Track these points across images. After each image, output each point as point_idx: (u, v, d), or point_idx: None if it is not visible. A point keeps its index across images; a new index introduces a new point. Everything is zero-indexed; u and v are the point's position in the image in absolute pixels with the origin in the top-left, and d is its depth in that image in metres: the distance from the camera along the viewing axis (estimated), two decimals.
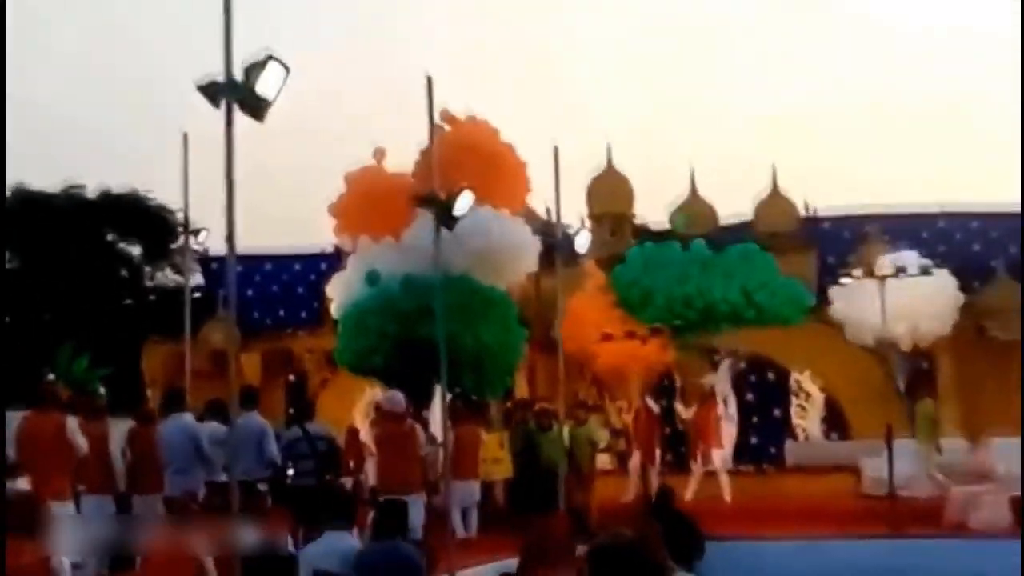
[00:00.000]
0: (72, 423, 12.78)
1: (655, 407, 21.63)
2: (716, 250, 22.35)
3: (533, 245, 19.21)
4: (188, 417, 13.96)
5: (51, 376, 14.42)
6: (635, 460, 21.35)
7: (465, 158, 15.79)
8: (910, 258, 21.44)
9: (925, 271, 20.76)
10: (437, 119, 15.81)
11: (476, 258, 16.17)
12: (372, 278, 18.44)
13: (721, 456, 21.25)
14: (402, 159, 20.40)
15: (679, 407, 22.62)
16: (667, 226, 28.04)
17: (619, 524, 5.46)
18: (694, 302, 21.11)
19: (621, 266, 21.47)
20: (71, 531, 12.27)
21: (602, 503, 18.50)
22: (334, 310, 19.83)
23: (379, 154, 20.00)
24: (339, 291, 19.83)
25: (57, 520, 11.14)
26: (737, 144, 42.88)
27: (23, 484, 12.26)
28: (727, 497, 20.83)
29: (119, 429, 14.10)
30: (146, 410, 14.89)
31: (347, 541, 10.04)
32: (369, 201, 19.25)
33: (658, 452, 21.54)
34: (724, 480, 21.11)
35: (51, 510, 9.85)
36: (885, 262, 21.25)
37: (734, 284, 21.22)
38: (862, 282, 21.31)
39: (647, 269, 21.45)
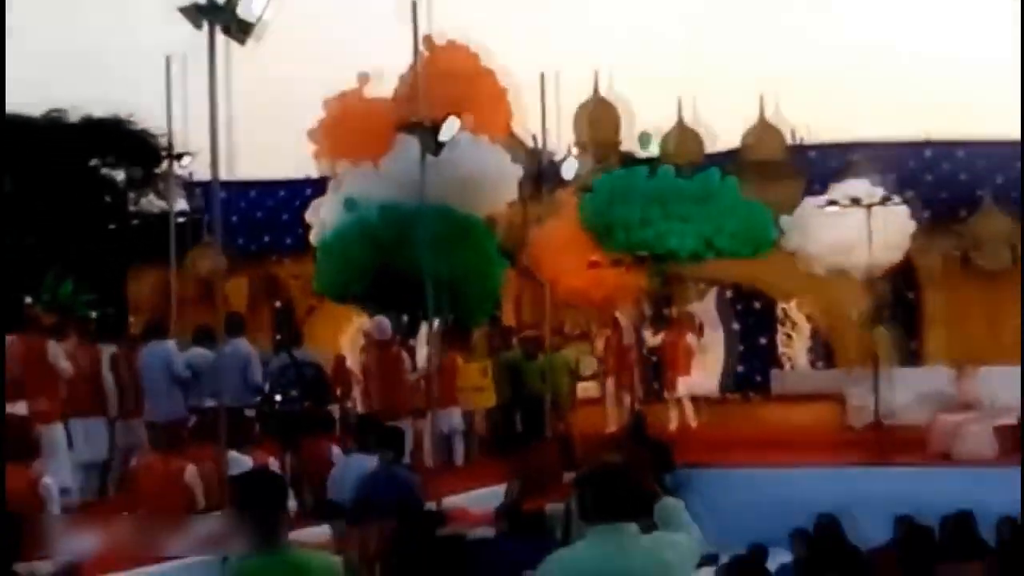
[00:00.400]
0: (54, 348, 12.74)
1: (628, 334, 21.46)
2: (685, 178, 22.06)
3: (513, 173, 19.04)
4: (167, 344, 13.89)
5: (30, 301, 14.32)
6: (610, 387, 21.24)
7: (443, 84, 15.48)
8: (863, 187, 21.43)
9: (885, 200, 20.69)
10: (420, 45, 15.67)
11: (453, 186, 15.86)
12: (350, 204, 18.27)
13: (687, 383, 21.22)
14: (388, 85, 20.21)
15: (647, 334, 22.51)
16: (655, 154, 27.90)
17: (602, 452, 5.44)
18: (652, 246, 20.97)
19: (588, 195, 21.20)
20: (60, 455, 12.28)
21: (586, 431, 18.49)
22: (313, 237, 19.68)
23: (363, 80, 19.77)
24: (317, 217, 19.64)
25: (46, 444, 11.14)
26: (731, 73, 42.56)
27: (16, 408, 12.31)
28: (692, 424, 20.87)
29: (105, 354, 14.04)
30: (128, 335, 14.81)
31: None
32: (348, 126, 19.00)
33: (636, 379, 21.50)
34: (688, 407, 21.12)
35: (39, 434, 9.79)
36: (838, 190, 21.32)
37: (690, 230, 20.94)
38: (813, 211, 21.37)
39: (611, 200, 21.17)
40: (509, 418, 14.17)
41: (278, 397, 14.20)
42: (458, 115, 13.71)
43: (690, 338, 21.66)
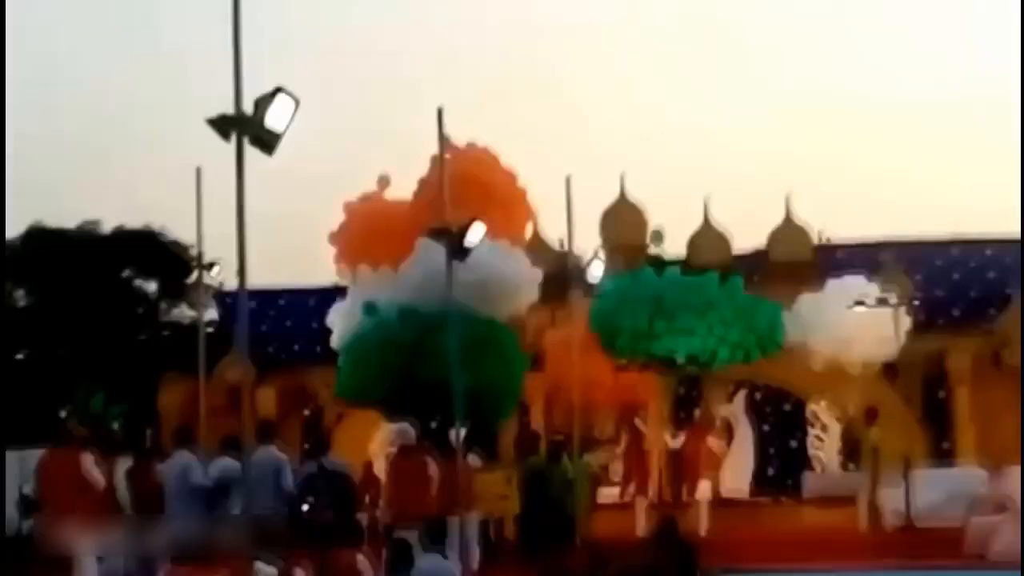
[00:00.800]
0: (88, 460, 12.80)
1: (646, 434, 21.31)
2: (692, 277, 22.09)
3: (532, 277, 19.17)
4: (187, 455, 13.95)
5: (65, 414, 14.45)
6: (629, 492, 21.04)
7: (462, 187, 15.62)
8: (859, 283, 21.58)
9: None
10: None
11: (473, 290, 15.91)
12: (370, 309, 18.41)
13: (705, 487, 20.91)
14: (406, 190, 20.35)
15: (667, 437, 22.34)
16: (682, 256, 28.01)
17: (628, 556, 5.45)
18: (658, 357, 20.99)
19: (595, 301, 21.24)
20: (91, 568, 12.29)
21: (609, 535, 18.26)
22: (334, 341, 19.79)
23: (383, 182, 19.94)
24: (339, 322, 19.77)
25: (78, 558, 11.16)
26: (752, 174, 42.81)
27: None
28: (703, 531, 20.63)
29: (121, 465, 14.06)
30: (144, 447, 14.86)
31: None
32: (368, 230, 19.21)
33: (651, 483, 21.33)
34: (703, 512, 20.79)
35: (69, 552, 9.81)
36: (833, 288, 21.39)
37: (695, 343, 20.97)
38: (817, 307, 21.42)
39: (617, 308, 21.20)
40: (534, 524, 14.07)
41: (305, 507, 14.19)
42: (480, 219, 13.82)
43: (711, 441, 21.44)
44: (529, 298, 19.14)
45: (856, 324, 20.32)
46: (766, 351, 21.12)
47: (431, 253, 17.73)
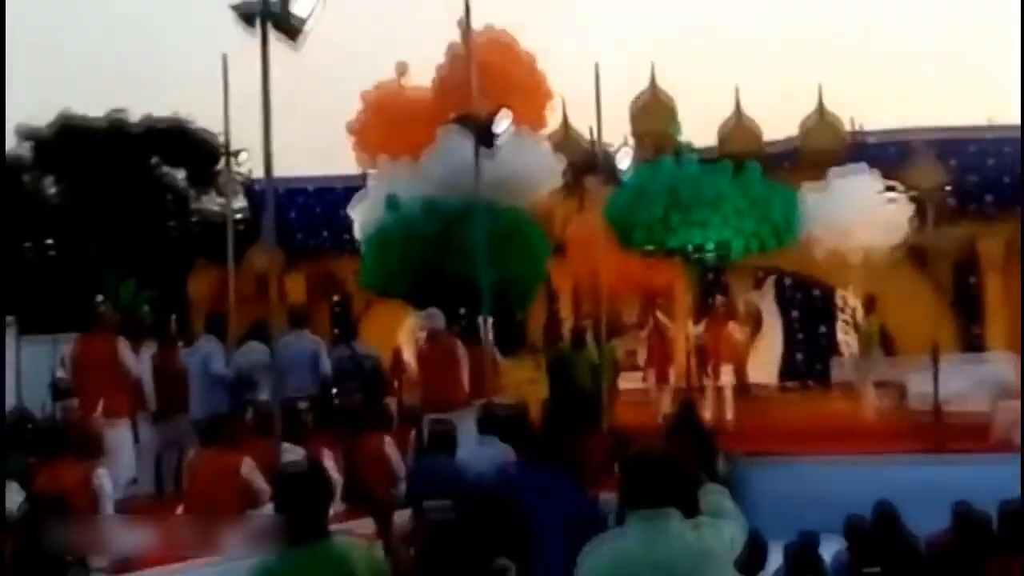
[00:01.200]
0: (124, 346, 12.90)
1: (668, 324, 21.36)
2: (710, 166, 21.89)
3: (555, 165, 19.04)
4: (208, 343, 14.08)
5: (99, 299, 14.49)
6: (651, 379, 21.16)
7: (483, 74, 15.35)
8: (865, 173, 21.48)
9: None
10: (461, 35, 15.61)
11: (497, 179, 15.73)
12: (392, 203, 18.35)
13: (729, 372, 21.07)
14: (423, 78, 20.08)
15: (690, 325, 22.38)
16: (712, 145, 27.79)
17: (648, 441, 5.46)
18: (674, 248, 20.86)
19: (612, 193, 21.10)
20: (126, 453, 12.45)
21: (631, 421, 18.31)
22: (357, 232, 19.78)
23: (401, 69, 19.67)
24: (361, 213, 19.71)
25: (112, 442, 11.29)
26: (784, 63, 42.33)
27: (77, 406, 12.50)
28: (729, 415, 20.75)
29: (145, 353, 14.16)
30: (168, 332, 14.92)
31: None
32: (386, 120, 19.02)
33: (671, 371, 21.40)
34: (728, 397, 20.98)
35: (100, 432, 9.92)
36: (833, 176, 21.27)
37: (711, 234, 20.80)
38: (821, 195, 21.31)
39: (634, 200, 21.03)
40: (559, 409, 14.12)
41: (334, 391, 14.31)
42: (506, 106, 13.72)
43: (733, 327, 21.45)
44: (553, 186, 19.03)
45: (860, 211, 20.24)
46: (782, 241, 21.02)
47: (452, 143, 17.70)
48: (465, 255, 17.08)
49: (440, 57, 19.12)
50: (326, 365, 14.08)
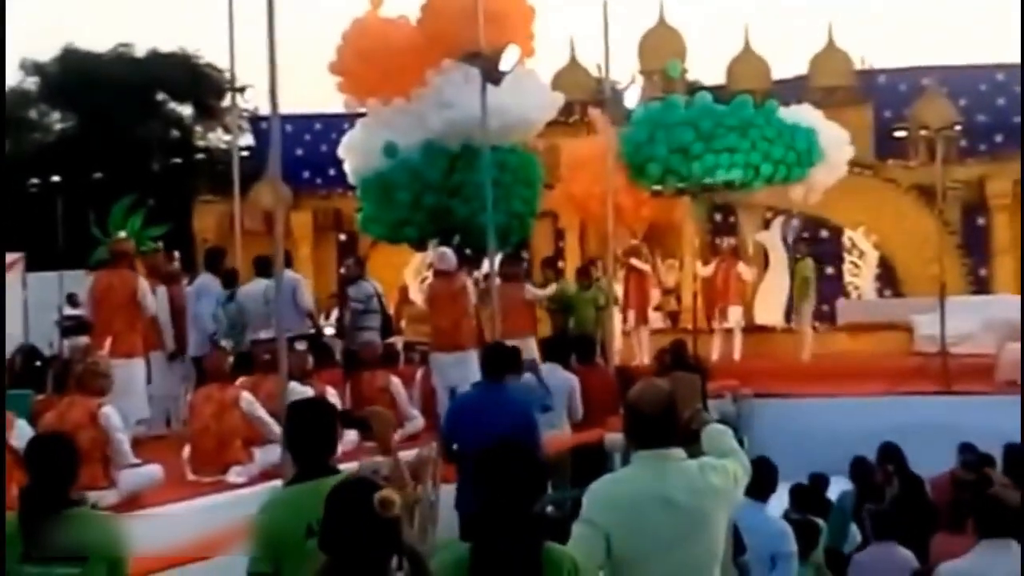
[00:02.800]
0: (144, 285, 12.83)
1: (643, 266, 21.09)
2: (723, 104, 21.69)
3: (553, 101, 18.90)
4: (204, 280, 14.08)
5: (122, 235, 14.30)
6: (630, 320, 20.88)
7: (463, 9, 15.08)
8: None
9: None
10: None
11: (495, 117, 15.46)
12: (391, 150, 18.18)
13: (737, 313, 20.99)
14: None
15: (698, 265, 22.15)
16: (721, 81, 27.61)
17: (653, 380, 5.44)
18: (700, 178, 20.71)
19: (626, 130, 20.92)
20: (139, 390, 12.44)
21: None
22: (350, 174, 19.56)
23: (375, 1, 19.17)
24: (353, 154, 19.41)
25: (126, 379, 11.29)
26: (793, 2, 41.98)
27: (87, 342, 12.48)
28: (737, 355, 20.68)
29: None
30: (174, 270, 14.89)
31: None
32: (370, 58, 18.54)
33: (650, 311, 21.25)
34: (737, 338, 20.91)
35: (108, 369, 9.90)
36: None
37: (738, 159, 20.62)
38: None
39: (651, 134, 20.86)
40: (562, 346, 14.02)
41: (330, 330, 14.27)
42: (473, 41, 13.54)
43: (741, 267, 21.35)
44: (547, 121, 18.86)
45: None
46: (806, 171, 20.95)
47: (445, 84, 17.57)
48: (470, 197, 17.03)
49: None
50: (307, 300, 14.03)
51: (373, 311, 14.78)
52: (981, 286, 24.21)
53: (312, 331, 14.07)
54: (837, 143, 21.36)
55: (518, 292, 15.72)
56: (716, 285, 21.01)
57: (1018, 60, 23.88)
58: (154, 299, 13.01)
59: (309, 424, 5.32)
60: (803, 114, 21.52)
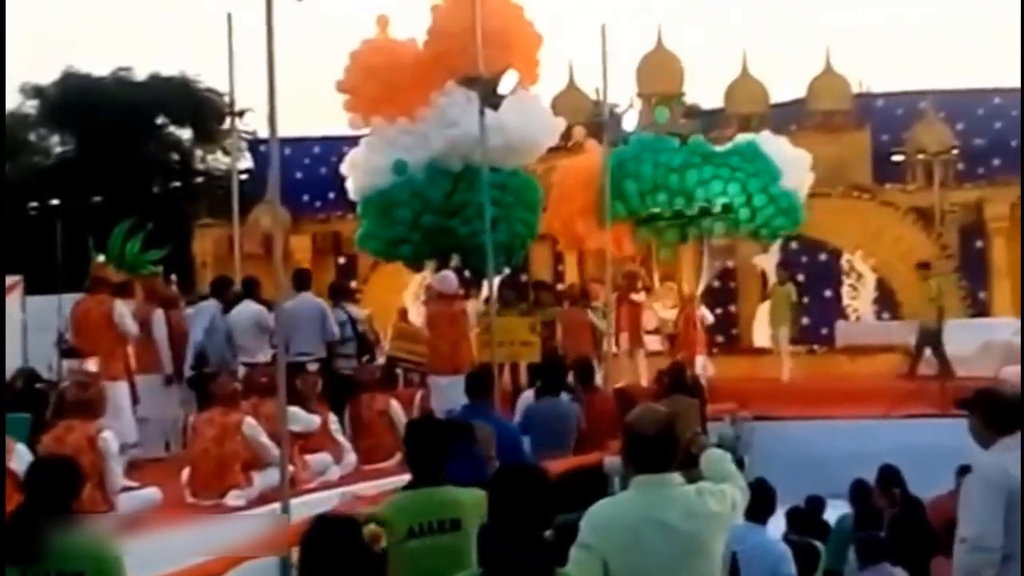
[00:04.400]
0: (120, 307, 12.83)
1: (640, 299, 20.77)
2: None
3: (555, 127, 18.94)
4: (208, 304, 14.02)
5: (101, 259, 14.41)
6: (623, 343, 20.64)
7: (469, 32, 15.15)
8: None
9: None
10: None
11: (498, 141, 15.52)
12: (400, 168, 18.26)
13: (701, 362, 19.79)
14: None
15: (656, 306, 21.31)
16: (718, 105, 27.70)
17: (651, 405, 5.45)
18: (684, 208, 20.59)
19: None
20: (125, 413, 12.42)
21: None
22: (353, 192, 19.60)
23: (382, 22, 19.35)
24: (357, 173, 19.48)
25: (111, 401, 11.25)
26: (791, 27, 42.09)
27: (79, 366, 12.44)
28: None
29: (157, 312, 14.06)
30: (171, 294, 14.88)
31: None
32: (377, 78, 18.70)
33: (644, 336, 20.99)
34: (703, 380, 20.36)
35: (102, 392, 9.91)
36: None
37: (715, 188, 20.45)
38: None
39: (624, 173, 20.69)
40: (553, 372, 13.89)
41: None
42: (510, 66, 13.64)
43: (704, 312, 20.69)
44: (549, 143, 18.91)
45: None
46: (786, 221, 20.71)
47: (449, 106, 17.63)
48: (470, 217, 17.06)
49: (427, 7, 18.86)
50: (333, 327, 13.98)
51: (348, 338, 14.69)
52: (979, 309, 24.25)
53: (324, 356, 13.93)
54: (800, 170, 21.12)
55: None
56: (679, 334, 20.60)
57: (1016, 84, 23.96)
58: (134, 322, 12.95)
59: (423, 440, 6.17)
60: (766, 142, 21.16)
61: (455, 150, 17.47)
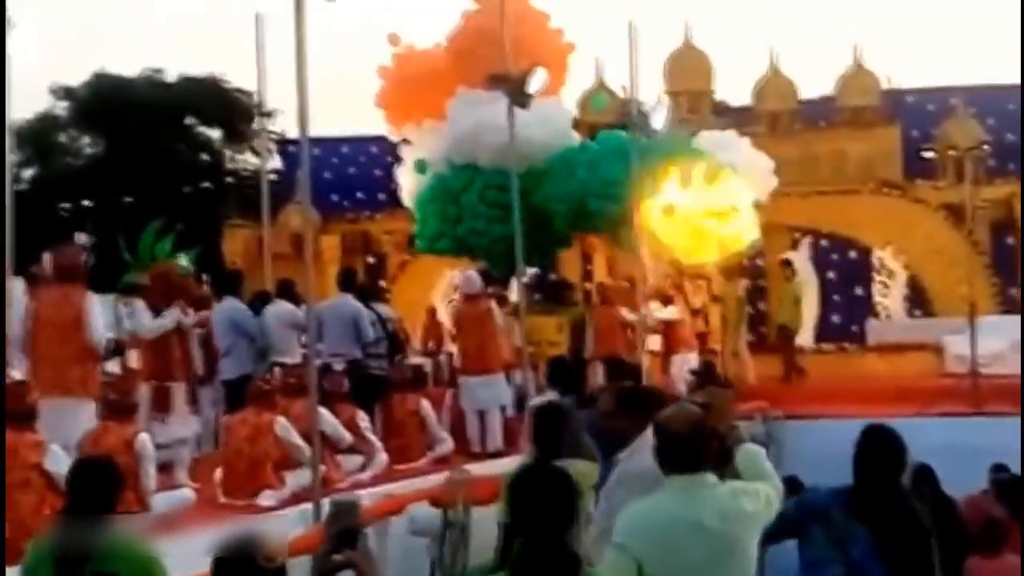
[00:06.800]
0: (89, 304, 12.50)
1: (673, 317, 20.48)
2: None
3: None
4: (236, 302, 13.85)
5: (83, 238, 14.31)
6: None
7: (489, 38, 15.19)
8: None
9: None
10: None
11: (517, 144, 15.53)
12: (420, 166, 18.61)
13: (693, 359, 18.97)
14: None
15: (654, 306, 19.54)
16: (747, 103, 27.60)
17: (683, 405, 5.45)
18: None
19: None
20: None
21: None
22: (405, 197, 20.05)
23: (394, 40, 19.80)
24: (405, 178, 20.07)
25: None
26: (820, 22, 41.93)
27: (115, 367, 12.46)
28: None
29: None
30: (202, 294, 14.86)
31: None
32: (407, 88, 19.10)
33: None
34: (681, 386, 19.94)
35: (143, 392, 9.96)
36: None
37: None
38: None
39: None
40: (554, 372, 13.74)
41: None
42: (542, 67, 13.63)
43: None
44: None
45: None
46: None
47: (472, 108, 17.74)
48: (501, 215, 17.09)
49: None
50: (368, 330, 13.79)
51: (379, 338, 14.62)
52: (1011, 306, 24.09)
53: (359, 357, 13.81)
54: (763, 172, 20.71)
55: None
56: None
57: None
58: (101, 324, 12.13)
59: (547, 425, 7.07)
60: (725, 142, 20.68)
61: (476, 148, 17.77)
